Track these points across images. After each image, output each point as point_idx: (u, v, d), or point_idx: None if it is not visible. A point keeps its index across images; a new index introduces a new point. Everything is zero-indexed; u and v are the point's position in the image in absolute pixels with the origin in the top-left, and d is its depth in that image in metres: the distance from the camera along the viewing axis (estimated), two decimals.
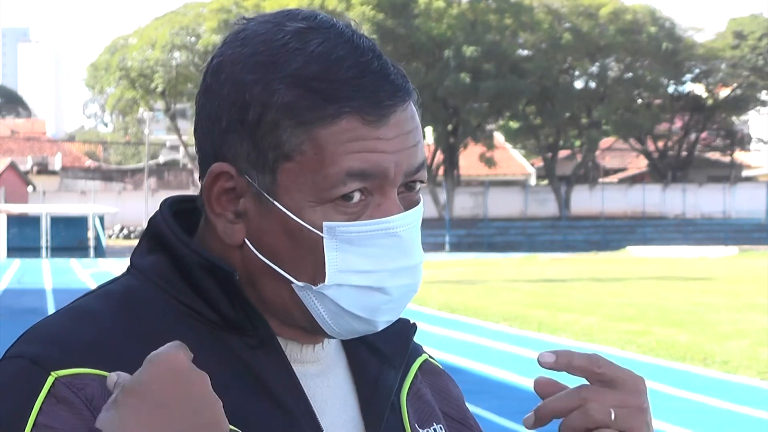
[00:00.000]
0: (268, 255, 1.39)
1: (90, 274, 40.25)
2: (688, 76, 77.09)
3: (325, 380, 1.45)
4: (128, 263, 1.47)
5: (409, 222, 1.38)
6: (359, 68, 1.36)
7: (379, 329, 1.41)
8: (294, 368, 1.41)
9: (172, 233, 1.43)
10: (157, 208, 1.48)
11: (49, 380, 1.32)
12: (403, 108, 1.38)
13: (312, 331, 1.42)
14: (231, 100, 1.37)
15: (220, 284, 1.39)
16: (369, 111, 1.35)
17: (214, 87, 1.39)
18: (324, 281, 1.36)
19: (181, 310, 1.40)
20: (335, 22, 1.39)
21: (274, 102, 1.35)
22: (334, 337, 1.43)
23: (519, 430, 10.77)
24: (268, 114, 1.36)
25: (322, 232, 1.36)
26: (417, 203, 1.41)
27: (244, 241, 1.40)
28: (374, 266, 1.37)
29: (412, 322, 1.54)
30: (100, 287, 1.44)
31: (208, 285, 1.40)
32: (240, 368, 1.38)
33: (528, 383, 13.72)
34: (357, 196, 1.36)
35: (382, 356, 1.50)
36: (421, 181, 1.41)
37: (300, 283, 1.38)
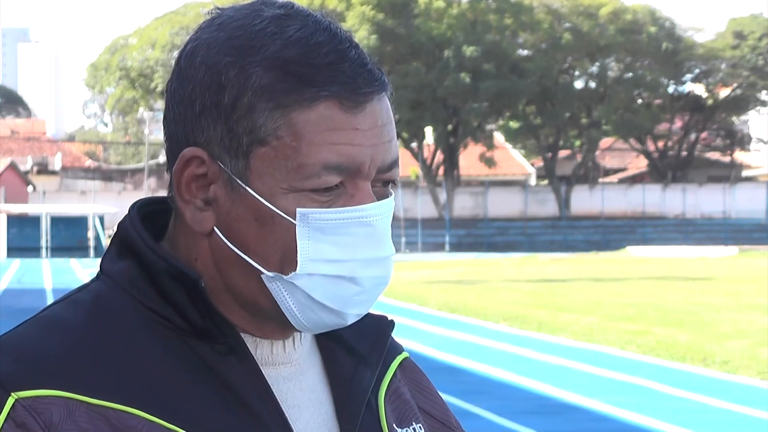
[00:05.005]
0: (238, 243, 1.36)
1: (90, 274, 40.06)
2: (688, 76, 77.11)
3: (297, 383, 1.43)
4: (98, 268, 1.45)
5: (382, 212, 1.36)
6: (337, 54, 1.35)
7: (349, 323, 1.39)
8: (265, 372, 1.39)
9: (140, 238, 1.40)
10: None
11: (9, 402, 1.29)
12: (379, 98, 1.37)
13: (280, 323, 1.39)
14: (206, 83, 1.35)
15: (188, 291, 1.37)
16: (347, 96, 1.33)
17: (189, 71, 1.37)
18: (295, 270, 1.34)
19: (150, 318, 1.37)
20: (312, 12, 1.39)
21: (251, 85, 1.33)
22: (301, 331, 1.40)
23: (519, 430, 10.75)
24: (244, 97, 1.34)
25: (294, 219, 1.34)
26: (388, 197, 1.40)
27: (213, 229, 1.37)
28: (346, 255, 1.35)
29: (389, 318, 1.52)
30: (69, 294, 1.42)
31: (176, 292, 1.37)
32: (209, 376, 1.36)
33: (528, 383, 13.72)
34: (331, 185, 1.34)
35: (358, 355, 1.47)
36: (394, 182, 1.40)
37: (270, 274, 1.35)
